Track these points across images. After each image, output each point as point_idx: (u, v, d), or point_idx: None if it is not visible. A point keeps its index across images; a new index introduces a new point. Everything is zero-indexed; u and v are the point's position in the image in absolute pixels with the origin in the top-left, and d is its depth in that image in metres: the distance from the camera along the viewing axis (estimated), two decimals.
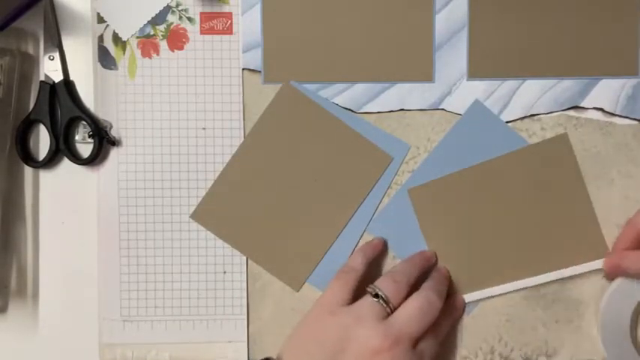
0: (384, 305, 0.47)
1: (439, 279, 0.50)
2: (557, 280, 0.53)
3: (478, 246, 0.53)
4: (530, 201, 0.53)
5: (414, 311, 0.47)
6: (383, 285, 0.48)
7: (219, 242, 0.54)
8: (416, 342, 0.47)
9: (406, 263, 0.50)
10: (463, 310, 0.53)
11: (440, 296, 0.48)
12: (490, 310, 0.54)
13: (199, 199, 0.54)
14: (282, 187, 0.53)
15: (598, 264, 0.53)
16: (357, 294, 0.48)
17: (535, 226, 0.53)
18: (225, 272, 0.54)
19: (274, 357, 0.47)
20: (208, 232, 0.54)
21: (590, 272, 0.53)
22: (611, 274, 0.52)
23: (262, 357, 0.48)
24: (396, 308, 0.47)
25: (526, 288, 0.53)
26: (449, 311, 0.52)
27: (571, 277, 0.53)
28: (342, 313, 0.46)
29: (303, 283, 0.54)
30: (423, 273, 0.51)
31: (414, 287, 0.49)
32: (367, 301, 0.47)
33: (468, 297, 0.53)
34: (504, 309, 0.54)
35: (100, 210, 0.54)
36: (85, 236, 0.54)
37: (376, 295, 0.47)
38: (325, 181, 0.53)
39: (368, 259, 0.50)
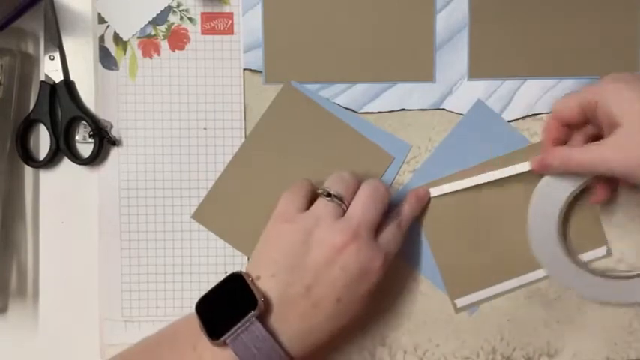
0: (339, 203, 0.47)
1: (377, 181, 0.50)
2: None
3: (480, 245, 0.53)
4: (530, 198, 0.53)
5: (366, 200, 0.47)
6: (333, 184, 0.48)
7: (221, 242, 0.54)
8: (376, 231, 0.47)
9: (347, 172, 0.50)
10: (426, 201, 0.53)
11: (384, 185, 0.49)
12: (492, 310, 0.54)
13: (200, 199, 0.54)
14: (283, 187, 0.53)
15: (600, 252, 0.53)
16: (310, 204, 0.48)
17: None
18: (226, 272, 0.53)
19: (239, 272, 0.46)
20: (209, 232, 0.54)
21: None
22: (537, 171, 0.51)
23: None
24: (349, 204, 0.47)
25: (527, 287, 0.53)
26: (410, 198, 0.52)
27: None
28: (299, 218, 0.46)
29: None
30: None
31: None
32: (322, 202, 0.47)
33: (472, 297, 0.53)
34: (506, 309, 0.54)
35: (101, 210, 0.54)
36: (86, 236, 0.54)
37: (328, 195, 0.47)
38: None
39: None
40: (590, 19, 0.53)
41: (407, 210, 0.51)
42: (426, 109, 0.54)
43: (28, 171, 0.54)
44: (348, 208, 0.47)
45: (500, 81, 0.53)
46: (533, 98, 0.53)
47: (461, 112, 0.53)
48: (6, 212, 0.53)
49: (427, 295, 0.54)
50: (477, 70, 0.53)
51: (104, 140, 0.53)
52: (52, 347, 0.53)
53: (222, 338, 0.43)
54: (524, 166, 0.52)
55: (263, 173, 0.53)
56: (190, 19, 0.53)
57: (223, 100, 0.53)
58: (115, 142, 0.53)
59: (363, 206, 0.47)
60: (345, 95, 0.53)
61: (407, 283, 0.54)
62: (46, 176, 0.54)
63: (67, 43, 0.54)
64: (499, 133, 0.53)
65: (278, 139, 0.53)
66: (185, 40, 0.53)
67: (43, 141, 0.54)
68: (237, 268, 0.53)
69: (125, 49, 0.53)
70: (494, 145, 0.53)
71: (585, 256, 0.53)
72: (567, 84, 0.53)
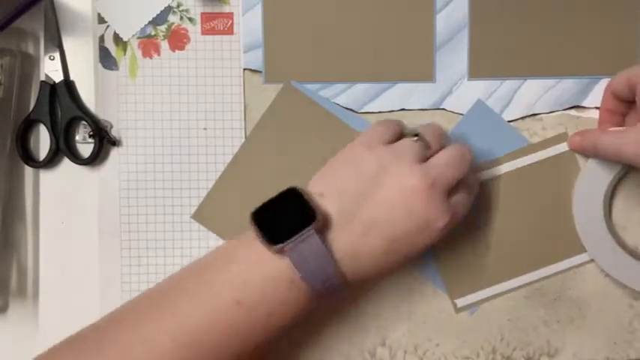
0: (424, 148, 0.46)
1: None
2: (559, 277, 0.53)
3: (481, 245, 0.53)
4: (531, 198, 0.53)
5: (452, 159, 0.45)
6: (425, 130, 0.47)
7: (221, 242, 0.54)
8: (449, 192, 0.46)
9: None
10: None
11: (469, 149, 0.47)
12: (492, 310, 0.54)
13: (200, 200, 0.53)
14: (283, 187, 0.53)
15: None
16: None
17: (537, 223, 0.53)
18: None
19: (298, 188, 0.45)
20: (209, 232, 0.54)
21: (591, 272, 0.53)
22: (574, 150, 0.51)
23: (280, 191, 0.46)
24: (434, 154, 0.46)
25: (527, 287, 0.53)
26: (474, 171, 0.51)
27: (573, 277, 0.53)
28: (381, 149, 0.45)
29: None
30: None
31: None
32: (407, 141, 0.46)
33: (473, 297, 0.53)
34: (506, 309, 0.54)
35: (101, 210, 0.54)
36: (86, 236, 0.54)
37: (416, 135, 0.46)
38: None
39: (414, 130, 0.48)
40: (590, 19, 0.53)
41: (473, 179, 0.50)
42: (426, 109, 0.54)
43: (28, 171, 0.54)
44: (431, 157, 0.46)
45: (500, 81, 0.53)
46: (533, 98, 0.53)
47: (461, 112, 0.53)
48: (6, 212, 0.53)
49: (427, 295, 0.54)
50: (477, 70, 0.53)
51: (104, 140, 0.53)
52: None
53: (281, 245, 0.42)
54: (563, 146, 0.52)
55: (263, 173, 0.53)
56: (190, 19, 0.53)
57: (223, 100, 0.53)
58: (115, 142, 0.53)
59: (447, 163, 0.45)
60: (345, 95, 0.53)
61: (407, 283, 0.54)
62: (46, 176, 0.54)
63: (67, 43, 0.54)
64: (499, 133, 0.53)
65: (278, 139, 0.53)
66: (185, 40, 0.53)
67: (43, 141, 0.54)
68: None
69: (125, 49, 0.53)
70: (494, 145, 0.53)
71: (585, 257, 0.53)
72: (567, 84, 0.53)
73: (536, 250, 0.53)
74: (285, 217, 0.44)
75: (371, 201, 0.44)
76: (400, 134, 0.47)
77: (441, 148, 0.47)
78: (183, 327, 0.43)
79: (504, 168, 0.53)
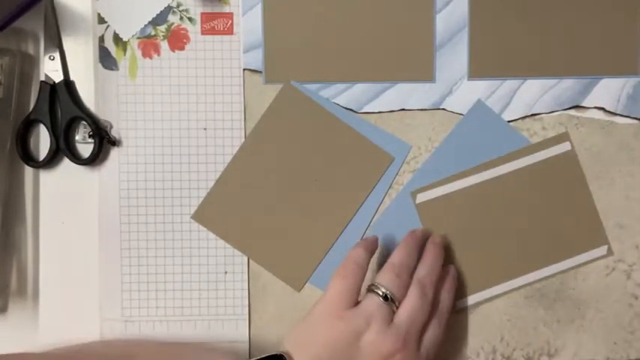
0: (392, 305, 0.47)
1: (434, 263, 0.50)
2: (559, 277, 0.53)
3: (481, 245, 0.53)
4: (531, 198, 0.53)
5: (415, 307, 0.47)
6: (387, 282, 0.47)
7: (221, 242, 0.54)
8: (421, 333, 0.47)
9: (403, 252, 0.49)
10: (456, 279, 0.52)
11: (432, 282, 0.48)
12: (492, 311, 0.54)
13: (200, 200, 0.53)
14: (283, 187, 0.53)
15: (601, 251, 0.53)
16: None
17: (537, 223, 0.53)
18: (226, 272, 0.54)
19: (283, 353, 0.47)
20: (209, 232, 0.54)
21: (591, 272, 0.53)
22: None
23: (266, 354, 0.47)
24: (400, 303, 0.47)
25: (528, 287, 0.53)
26: (447, 285, 0.51)
27: (573, 277, 0.53)
28: (350, 316, 0.46)
29: (305, 283, 0.54)
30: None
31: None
32: (375, 302, 0.47)
33: (474, 297, 0.53)
34: (506, 309, 0.54)
35: (101, 210, 0.54)
36: (86, 236, 0.54)
37: (385, 297, 0.47)
38: (326, 181, 0.53)
39: (371, 255, 0.50)
40: (590, 19, 0.53)
41: (447, 300, 0.51)
42: (426, 109, 0.54)
43: (28, 171, 0.54)
44: (398, 308, 0.47)
45: (500, 81, 0.53)
46: (533, 98, 0.53)
47: (461, 112, 0.53)
48: (6, 212, 0.53)
49: None
50: (477, 70, 0.53)
51: (104, 140, 0.53)
52: (52, 347, 0.53)
53: None
54: (564, 146, 0.52)
55: (263, 173, 0.53)
56: (190, 19, 0.53)
57: (223, 100, 0.53)
58: (115, 142, 0.53)
59: (412, 314, 0.47)
60: (345, 95, 0.53)
61: None
62: (46, 176, 0.54)
63: (67, 43, 0.54)
64: (499, 133, 0.53)
65: (278, 139, 0.53)
66: (185, 40, 0.53)
67: (43, 141, 0.54)
68: (237, 269, 0.53)
69: (125, 50, 0.53)
70: (494, 145, 0.53)
71: (585, 256, 0.53)
72: (567, 84, 0.53)
73: (535, 250, 0.53)
74: None
75: None
76: (361, 282, 0.48)
77: (407, 289, 0.47)
78: None
79: (505, 168, 0.53)
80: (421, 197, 0.53)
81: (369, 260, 0.49)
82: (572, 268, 0.53)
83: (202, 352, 0.52)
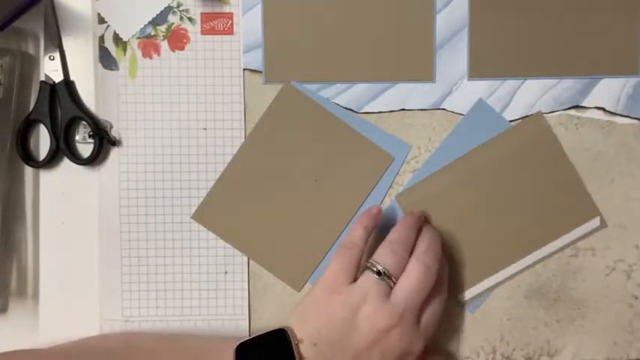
0: (388, 281, 0.47)
1: (432, 240, 0.49)
2: (559, 276, 0.53)
3: (477, 237, 0.53)
4: (517, 182, 0.53)
5: (415, 283, 0.47)
6: (384, 259, 0.47)
7: (221, 242, 0.54)
8: (421, 309, 0.47)
9: (401, 229, 0.49)
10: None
11: (436, 259, 0.48)
12: (492, 310, 0.54)
13: (200, 200, 0.53)
14: (283, 187, 0.53)
15: (594, 223, 0.53)
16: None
17: (528, 205, 0.53)
18: (226, 272, 0.54)
19: (285, 327, 0.47)
20: (209, 233, 0.54)
21: (591, 272, 0.53)
22: None
23: (270, 330, 0.48)
24: (397, 279, 0.47)
25: (526, 288, 0.53)
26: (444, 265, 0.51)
27: (573, 277, 0.53)
28: (347, 292, 0.47)
29: (305, 284, 0.54)
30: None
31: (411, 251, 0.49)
32: (370, 278, 0.47)
33: (473, 290, 0.53)
34: (506, 309, 0.54)
35: (101, 210, 0.54)
36: (86, 236, 0.54)
37: (379, 273, 0.47)
38: (326, 181, 0.53)
39: (369, 233, 0.49)
40: (590, 19, 0.53)
41: (445, 277, 0.51)
42: (426, 109, 0.54)
43: (28, 171, 0.54)
44: (395, 284, 0.47)
45: (501, 81, 0.53)
46: (533, 98, 0.53)
47: (461, 112, 0.53)
48: (6, 212, 0.53)
49: None
50: (477, 70, 0.53)
51: (104, 140, 0.53)
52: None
53: None
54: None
55: (263, 173, 0.53)
56: (190, 19, 0.53)
57: (223, 100, 0.53)
58: (115, 142, 0.53)
59: (412, 290, 0.47)
60: (345, 95, 0.53)
61: None
62: (46, 176, 0.54)
63: (67, 43, 0.54)
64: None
65: (278, 139, 0.53)
66: (185, 40, 0.53)
67: (43, 141, 0.54)
68: (237, 269, 0.53)
69: (125, 49, 0.53)
70: None
71: (579, 231, 0.53)
72: (567, 84, 0.53)
73: (531, 232, 0.53)
74: (267, 357, 0.46)
75: (345, 350, 0.46)
76: (359, 261, 0.48)
77: (404, 266, 0.47)
78: None
79: (489, 157, 0.53)
80: (405, 202, 0.53)
81: (368, 237, 0.49)
82: (569, 244, 0.53)
83: (202, 339, 0.52)
